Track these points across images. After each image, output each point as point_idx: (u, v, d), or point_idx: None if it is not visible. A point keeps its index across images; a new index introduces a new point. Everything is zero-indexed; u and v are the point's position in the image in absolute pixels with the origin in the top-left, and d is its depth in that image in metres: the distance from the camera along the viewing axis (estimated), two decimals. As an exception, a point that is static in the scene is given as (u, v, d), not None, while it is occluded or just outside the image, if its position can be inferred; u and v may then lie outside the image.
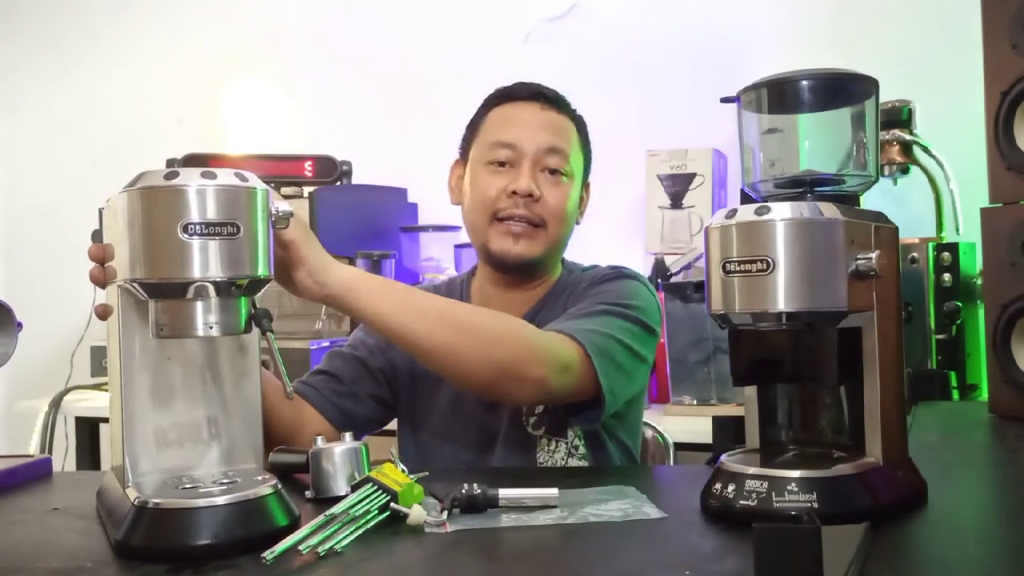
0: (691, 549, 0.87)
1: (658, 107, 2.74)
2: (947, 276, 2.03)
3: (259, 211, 0.92)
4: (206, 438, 1.01)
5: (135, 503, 0.88)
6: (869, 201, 1.02)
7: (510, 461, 1.41)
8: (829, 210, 0.90)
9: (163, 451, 0.99)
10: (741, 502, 0.90)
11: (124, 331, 0.96)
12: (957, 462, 1.26)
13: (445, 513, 0.95)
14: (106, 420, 1.66)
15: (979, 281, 1.90)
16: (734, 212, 0.92)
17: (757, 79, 1.01)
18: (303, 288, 1.17)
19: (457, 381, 1.32)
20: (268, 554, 0.82)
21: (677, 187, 2.53)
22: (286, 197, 2.59)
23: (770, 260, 0.89)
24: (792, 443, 1.03)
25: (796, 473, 0.90)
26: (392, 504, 0.94)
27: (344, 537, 0.87)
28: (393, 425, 1.55)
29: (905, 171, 2.30)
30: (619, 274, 1.47)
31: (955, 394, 2.00)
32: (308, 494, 1.07)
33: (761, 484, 0.90)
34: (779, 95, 1.02)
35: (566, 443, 1.42)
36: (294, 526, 0.90)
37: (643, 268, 2.19)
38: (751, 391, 1.02)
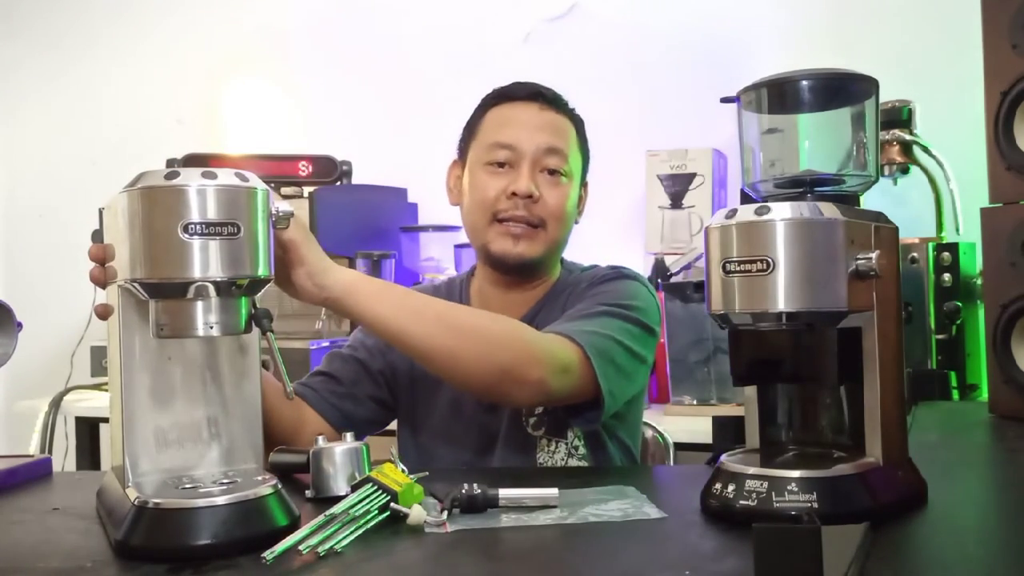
0: (691, 549, 0.87)
1: (658, 107, 2.74)
2: (947, 276, 2.03)
3: (259, 211, 0.92)
4: (206, 438, 1.01)
5: (135, 503, 0.88)
6: (869, 201, 1.02)
7: (510, 462, 1.41)
8: (829, 210, 0.90)
9: (163, 451, 0.99)
10: (741, 502, 0.90)
11: (124, 331, 0.96)
12: (957, 462, 1.26)
13: (445, 513, 0.95)
14: (106, 420, 1.66)
15: (979, 281, 1.90)
16: (734, 212, 0.92)
17: (757, 79, 1.01)
18: (302, 290, 1.16)
19: (457, 383, 1.31)
20: (268, 554, 0.82)
21: (677, 187, 2.53)
22: (286, 197, 2.59)
23: (770, 260, 0.89)
24: (792, 443, 1.03)
25: (796, 473, 0.90)
26: (392, 504, 0.94)
27: (344, 537, 0.87)
28: (393, 426, 1.55)
29: (905, 171, 2.30)
30: (619, 274, 1.47)
31: (955, 394, 2.00)
32: (308, 494, 1.07)
33: (761, 484, 0.90)
34: (779, 95, 1.02)
35: (566, 444, 1.42)
36: (294, 526, 0.90)
37: (643, 268, 2.19)
38: (751, 391, 1.02)
